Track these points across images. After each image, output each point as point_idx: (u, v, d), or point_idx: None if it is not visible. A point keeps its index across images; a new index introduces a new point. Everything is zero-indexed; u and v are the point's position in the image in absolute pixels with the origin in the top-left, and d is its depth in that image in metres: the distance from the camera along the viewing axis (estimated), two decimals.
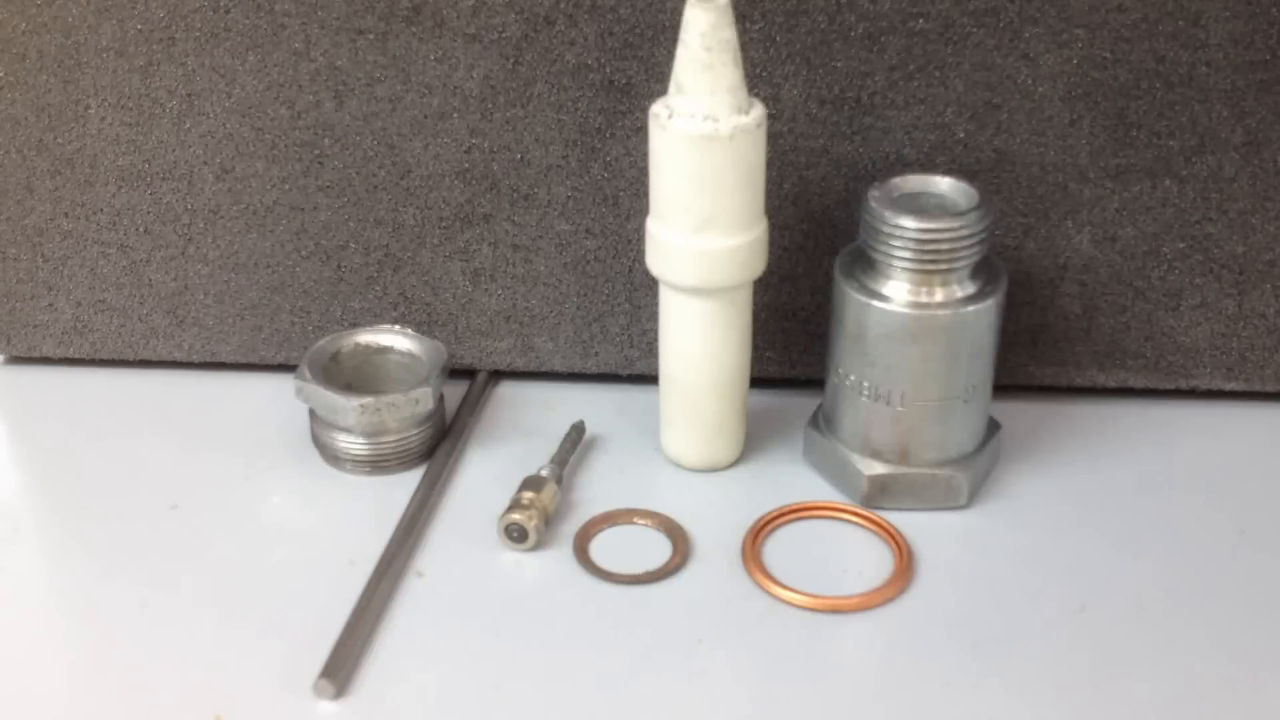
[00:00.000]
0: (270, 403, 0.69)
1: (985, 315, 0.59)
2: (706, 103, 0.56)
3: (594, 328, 0.69)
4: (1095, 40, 0.61)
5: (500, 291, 0.68)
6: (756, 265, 0.60)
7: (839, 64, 0.62)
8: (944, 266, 0.57)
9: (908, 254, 0.57)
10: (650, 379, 0.67)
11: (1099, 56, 0.61)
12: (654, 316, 0.66)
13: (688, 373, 0.62)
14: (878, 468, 0.61)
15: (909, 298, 0.58)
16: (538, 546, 0.60)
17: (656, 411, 0.65)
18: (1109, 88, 0.62)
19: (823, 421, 0.64)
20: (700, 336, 0.61)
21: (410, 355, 0.67)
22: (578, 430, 0.66)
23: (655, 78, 0.63)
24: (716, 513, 0.62)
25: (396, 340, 0.67)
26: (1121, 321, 0.67)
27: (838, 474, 0.63)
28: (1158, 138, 0.63)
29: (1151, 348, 0.67)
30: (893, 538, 0.60)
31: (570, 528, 0.61)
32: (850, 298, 0.59)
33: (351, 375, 0.67)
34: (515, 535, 0.60)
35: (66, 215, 0.68)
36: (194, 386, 0.71)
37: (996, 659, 0.54)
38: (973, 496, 0.62)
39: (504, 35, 0.63)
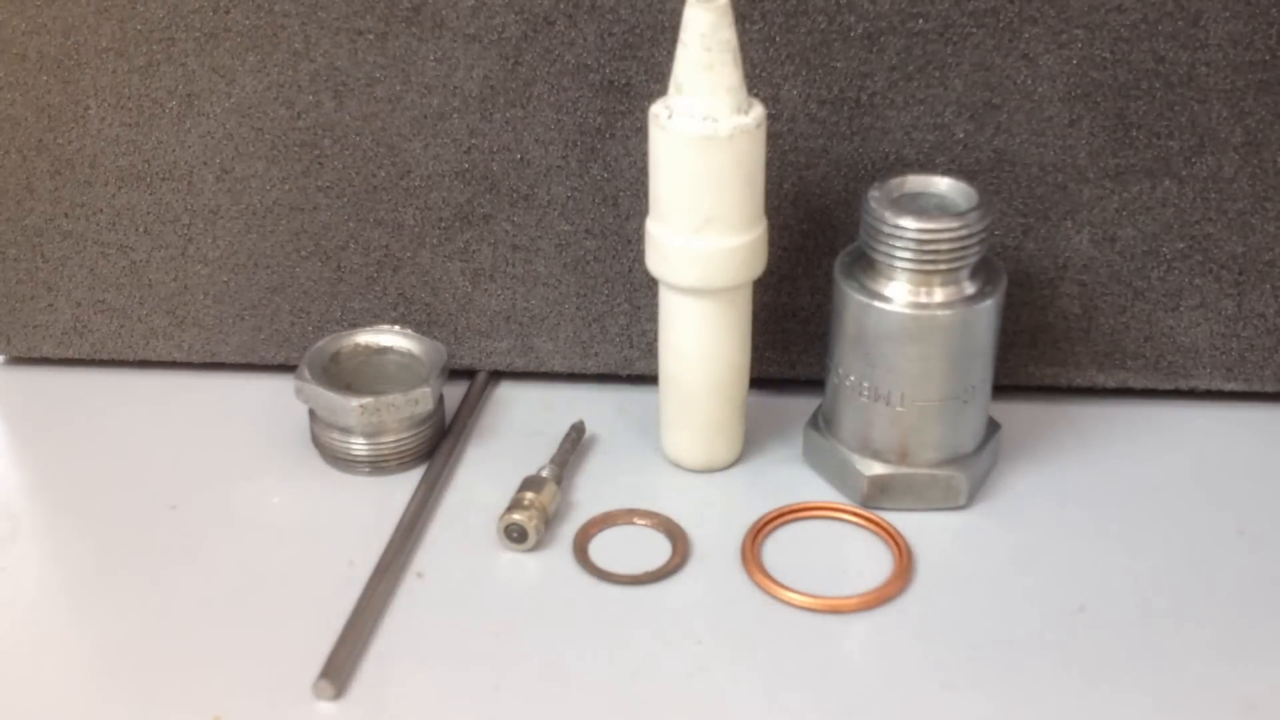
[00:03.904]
0: (270, 403, 0.69)
1: (985, 315, 0.59)
2: (706, 103, 0.55)
3: (594, 328, 0.69)
4: (1095, 40, 0.61)
5: (500, 292, 0.68)
6: (756, 266, 0.60)
7: (838, 64, 0.62)
8: (944, 267, 0.57)
9: (907, 254, 0.57)
10: (650, 379, 0.67)
11: (1098, 57, 0.61)
12: (654, 317, 0.66)
13: (687, 373, 0.62)
14: (877, 468, 0.61)
15: (909, 298, 0.58)
16: (537, 547, 0.60)
17: (656, 412, 0.65)
18: (1108, 88, 0.62)
19: (822, 422, 0.64)
20: (700, 337, 0.61)
21: (410, 355, 0.67)
22: (577, 430, 0.66)
23: (655, 78, 0.63)
24: (716, 513, 0.62)
25: (396, 340, 0.67)
26: (1121, 322, 0.67)
27: (837, 474, 0.63)
28: (1157, 138, 0.63)
29: (1151, 348, 0.67)
30: (892, 538, 0.60)
31: (570, 528, 0.61)
32: (850, 298, 0.59)
33: (351, 375, 0.67)
34: (515, 535, 0.59)
35: (66, 216, 0.68)
36: (194, 387, 0.71)
37: (995, 659, 0.54)
38: (972, 497, 0.62)
39: (504, 35, 0.63)
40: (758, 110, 0.57)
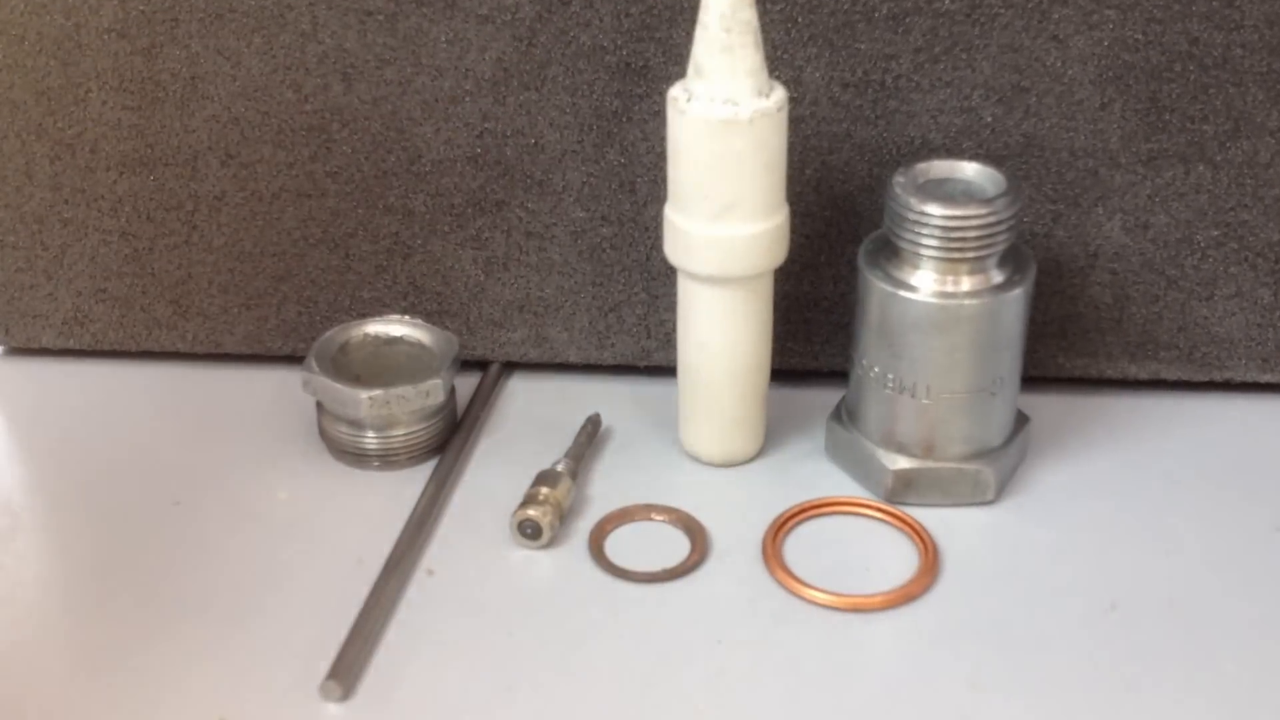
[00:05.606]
0: (277, 395, 0.69)
1: (1013, 305, 0.58)
2: (726, 86, 0.55)
3: (610, 318, 0.68)
4: (1126, 21, 0.60)
5: (513, 280, 0.68)
6: (777, 253, 0.59)
7: (862, 46, 0.61)
8: (971, 255, 0.57)
9: (934, 242, 0.57)
10: (668, 371, 0.66)
11: (1130, 38, 0.60)
12: (672, 306, 0.65)
13: (707, 364, 0.61)
14: (902, 462, 0.61)
15: (935, 287, 0.58)
16: (552, 543, 0.59)
17: (674, 404, 0.64)
18: (1141, 70, 0.61)
19: (846, 414, 0.63)
20: (720, 327, 0.60)
21: (421, 346, 0.66)
22: (593, 423, 0.65)
23: (673, 60, 0.62)
24: (736, 509, 0.61)
25: (407, 331, 0.67)
26: (1154, 311, 0.66)
27: (861, 468, 0.62)
28: (1191, 122, 0.62)
29: (1185, 338, 0.66)
30: (918, 534, 0.59)
31: (585, 524, 0.61)
32: (874, 287, 0.59)
33: (360, 367, 0.66)
34: (529, 532, 0.59)
35: (67, 202, 0.68)
36: (198, 378, 0.71)
37: (1024, 659, 0.54)
38: (1000, 492, 0.62)
39: (517, 16, 0.62)
40: (779, 93, 0.56)
